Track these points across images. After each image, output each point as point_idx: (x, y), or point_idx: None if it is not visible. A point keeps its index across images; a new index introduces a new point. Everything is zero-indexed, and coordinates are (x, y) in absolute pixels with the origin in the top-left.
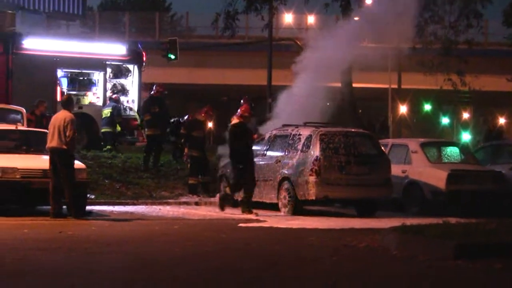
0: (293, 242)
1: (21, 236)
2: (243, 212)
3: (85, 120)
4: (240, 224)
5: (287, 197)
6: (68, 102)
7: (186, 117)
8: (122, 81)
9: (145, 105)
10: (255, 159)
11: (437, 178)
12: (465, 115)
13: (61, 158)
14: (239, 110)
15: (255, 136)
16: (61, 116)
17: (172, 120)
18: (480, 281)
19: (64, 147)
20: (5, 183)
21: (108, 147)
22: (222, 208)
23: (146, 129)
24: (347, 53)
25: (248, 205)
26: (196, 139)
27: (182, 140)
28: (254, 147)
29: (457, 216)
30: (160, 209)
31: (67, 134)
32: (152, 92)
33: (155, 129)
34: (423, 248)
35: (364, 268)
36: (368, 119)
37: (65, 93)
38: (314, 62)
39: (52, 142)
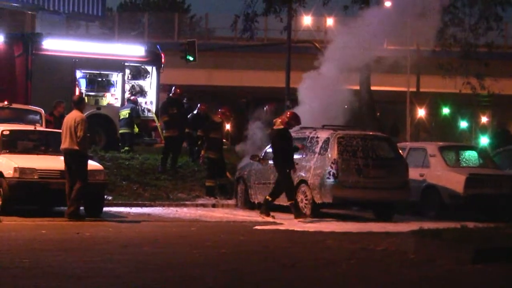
0: (310, 245)
1: (39, 237)
2: (261, 213)
3: (103, 121)
4: (257, 227)
5: (304, 200)
6: (79, 102)
7: (196, 111)
8: (140, 82)
9: (163, 107)
10: (271, 162)
11: (455, 182)
12: (484, 119)
13: (73, 159)
14: (284, 116)
15: (301, 146)
16: (72, 116)
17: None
18: (499, 286)
19: (76, 147)
20: (24, 184)
21: (126, 148)
22: (267, 214)
23: (164, 131)
24: (364, 54)
25: (267, 208)
26: (213, 140)
27: (199, 142)
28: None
29: (475, 220)
30: (177, 211)
31: (78, 134)
32: (171, 93)
33: (173, 131)
34: (441, 252)
35: (381, 271)
36: (378, 124)
37: (77, 93)
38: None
39: (65, 143)
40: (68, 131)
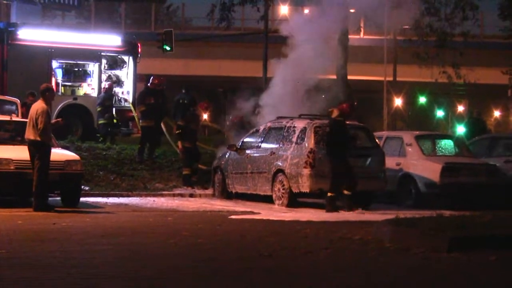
0: (287, 234)
1: (15, 227)
2: (327, 212)
3: (80, 111)
4: (234, 216)
5: (281, 190)
6: (44, 91)
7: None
8: (117, 72)
9: (140, 97)
10: (249, 151)
11: (431, 170)
12: (460, 108)
13: (36, 149)
14: (341, 106)
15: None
16: (36, 106)
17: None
18: (474, 273)
19: (38, 138)
20: (0, 174)
21: (101, 139)
22: (335, 209)
23: (140, 121)
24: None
25: (333, 204)
26: (191, 131)
27: (178, 132)
28: (248, 139)
29: (451, 209)
30: (154, 201)
31: (39, 126)
32: (149, 83)
33: (149, 121)
34: (417, 240)
35: (358, 260)
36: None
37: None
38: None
39: (28, 133)
40: (31, 121)
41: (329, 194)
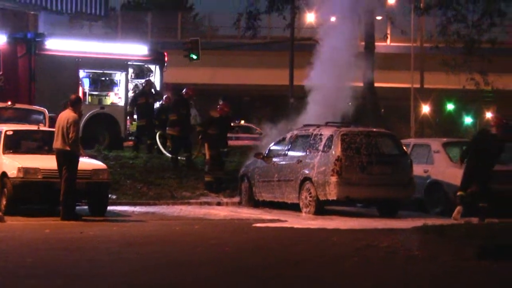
0: (314, 242)
1: (43, 236)
2: (480, 222)
3: (106, 120)
4: (261, 225)
5: (308, 198)
6: (75, 102)
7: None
8: (143, 81)
9: (174, 105)
10: (276, 159)
11: (459, 178)
12: (488, 115)
13: (65, 159)
14: (496, 119)
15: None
16: (66, 116)
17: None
18: (503, 282)
19: (68, 148)
20: (27, 184)
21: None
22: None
23: (168, 128)
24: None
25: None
26: (211, 136)
27: (199, 137)
28: (275, 147)
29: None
30: (181, 209)
31: (70, 136)
32: (183, 93)
33: (179, 130)
34: (445, 248)
35: (385, 268)
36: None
37: (78, 93)
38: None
39: (57, 143)
40: (60, 130)
41: (458, 192)
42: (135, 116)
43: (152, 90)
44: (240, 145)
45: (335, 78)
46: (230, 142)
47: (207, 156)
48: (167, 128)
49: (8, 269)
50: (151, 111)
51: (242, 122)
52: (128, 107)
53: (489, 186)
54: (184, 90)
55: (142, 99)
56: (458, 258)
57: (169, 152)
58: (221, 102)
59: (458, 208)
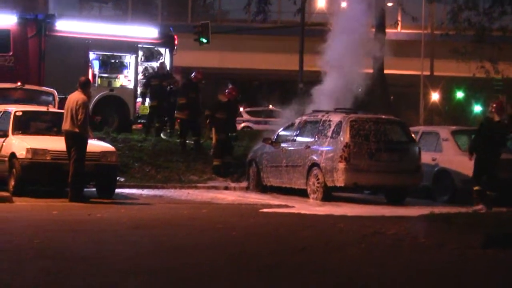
0: (321, 228)
1: (51, 218)
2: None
3: (116, 103)
4: (268, 210)
5: (316, 183)
6: (84, 84)
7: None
8: (153, 64)
9: (183, 89)
10: (284, 145)
11: (468, 166)
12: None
13: (73, 141)
14: (495, 105)
15: None
16: (75, 98)
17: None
18: (510, 270)
19: (76, 130)
20: (36, 165)
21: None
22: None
23: (176, 112)
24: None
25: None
26: (219, 120)
27: (207, 121)
28: (284, 132)
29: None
30: (189, 193)
31: (79, 117)
32: (192, 76)
33: (188, 113)
34: (451, 236)
35: (392, 256)
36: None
37: (88, 75)
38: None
39: (66, 124)
40: (69, 112)
41: (474, 187)
42: (147, 100)
43: (165, 73)
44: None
45: (345, 64)
46: (259, 127)
47: (214, 141)
48: (175, 112)
49: (15, 250)
50: (164, 94)
51: (271, 106)
52: (142, 88)
53: (496, 175)
54: (193, 74)
55: (155, 80)
56: (465, 246)
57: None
58: (230, 86)
59: (480, 206)
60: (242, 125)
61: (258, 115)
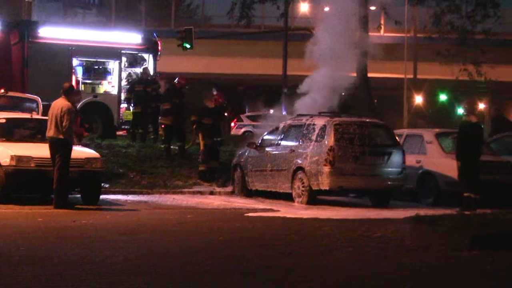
0: (307, 232)
1: (35, 225)
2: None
3: (100, 109)
4: (254, 214)
5: (301, 187)
6: (68, 90)
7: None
8: (137, 70)
9: (166, 94)
10: (269, 149)
11: (452, 168)
12: (481, 106)
13: (58, 148)
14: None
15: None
16: (59, 104)
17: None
18: (495, 272)
19: (61, 136)
20: (20, 172)
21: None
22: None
23: (160, 117)
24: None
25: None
26: (206, 126)
27: (194, 127)
28: (268, 137)
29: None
30: (174, 198)
31: (64, 124)
32: (176, 82)
33: (172, 119)
34: (437, 238)
35: (378, 258)
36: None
37: (71, 82)
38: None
39: (50, 131)
40: (54, 119)
41: (465, 194)
42: (124, 105)
43: (149, 78)
44: None
45: (328, 68)
46: (260, 131)
47: (202, 146)
48: (159, 118)
49: (3, 256)
50: (147, 100)
51: (271, 111)
52: (126, 93)
53: (478, 176)
54: (176, 79)
55: (139, 86)
56: (451, 248)
57: (161, 141)
58: (215, 92)
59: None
60: (243, 130)
61: (258, 119)
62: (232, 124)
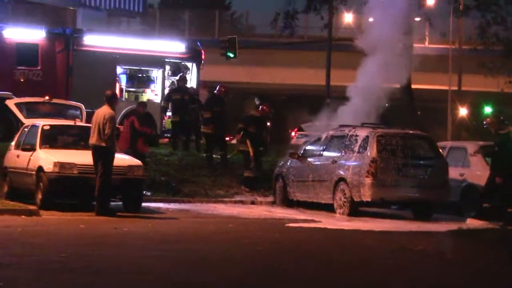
0: (347, 243)
1: (78, 231)
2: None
3: None
4: (294, 224)
5: (342, 198)
6: (111, 98)
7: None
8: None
9: (208, 103)
10: (311, 159)
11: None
12: None
13: (100, 155)
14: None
15: None
16: (102, 112)
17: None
18: None
19: (103, 144)
20: (63, 178)
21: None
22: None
23: (202, 126)
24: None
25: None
26: (251, 135)
27: (241, 134)
28: (310, 147)
29: None
30: (215, 207)
31: (106, 132)
32: (216, 91)
33: (213, 127)
34: (479, 252)
35: (418, 272)
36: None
37: (114, 89)
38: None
39: (93, 138)
40: (96, 126)
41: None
42: (169, 113)
43: (187, 86)
44: None
45: (372, 79)
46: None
47: (251, 153)
48: (201, 127)
49: (44, 263)
50: (186, 108)
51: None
52: (163, 102)
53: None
54: (217, 88)
55: (177, 95)
56: (493, 263)
57: (204, 151)
58: (257, 102)
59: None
60: (303, 140)
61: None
62: (293, 133)
